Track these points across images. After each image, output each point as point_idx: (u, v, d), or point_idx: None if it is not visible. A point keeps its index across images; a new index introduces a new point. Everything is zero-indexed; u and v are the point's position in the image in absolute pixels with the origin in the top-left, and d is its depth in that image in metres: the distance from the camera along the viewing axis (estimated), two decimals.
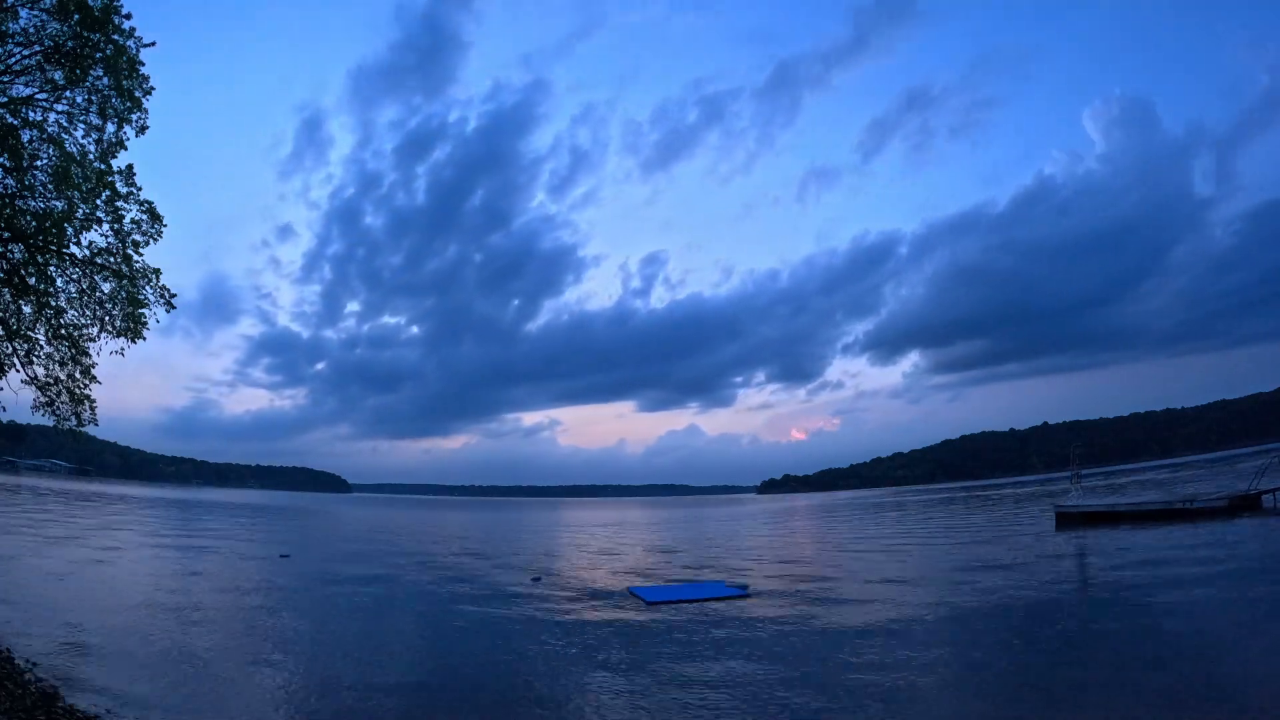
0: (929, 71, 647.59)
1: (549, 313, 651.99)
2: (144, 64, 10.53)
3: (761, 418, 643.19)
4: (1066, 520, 33.42)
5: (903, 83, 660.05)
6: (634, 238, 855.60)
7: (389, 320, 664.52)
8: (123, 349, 11.36)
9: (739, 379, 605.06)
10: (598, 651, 11.86)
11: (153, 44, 10.56)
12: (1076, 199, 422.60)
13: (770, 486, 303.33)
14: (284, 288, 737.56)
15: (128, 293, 11.01)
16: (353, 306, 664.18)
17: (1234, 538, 23.19)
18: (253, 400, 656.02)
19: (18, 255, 10.44)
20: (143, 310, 11.11)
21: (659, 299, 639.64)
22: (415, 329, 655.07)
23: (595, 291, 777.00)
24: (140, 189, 10.79)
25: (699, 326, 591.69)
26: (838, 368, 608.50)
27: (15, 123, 9.90)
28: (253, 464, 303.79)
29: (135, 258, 10.95)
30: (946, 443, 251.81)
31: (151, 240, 11.08)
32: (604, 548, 33.90)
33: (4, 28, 9.40)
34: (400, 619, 15.28)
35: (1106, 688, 8.77)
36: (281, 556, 26.83)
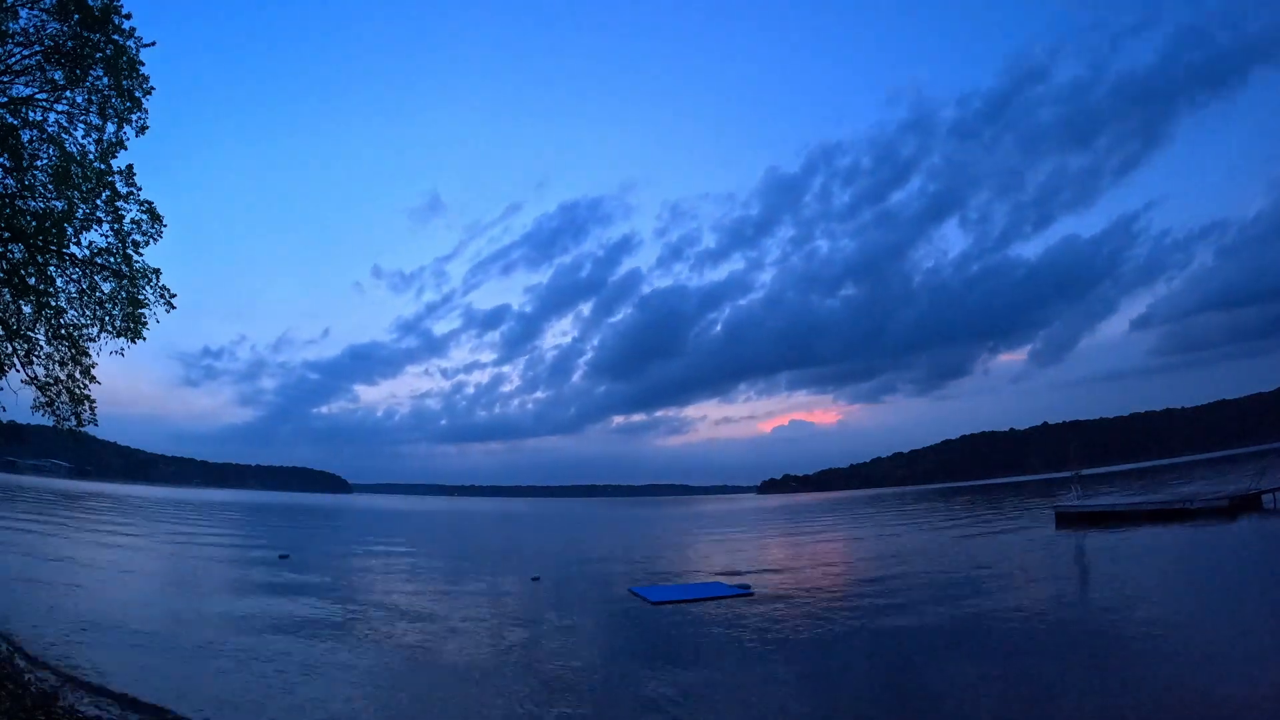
0: None
1: (1001, 254, 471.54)
2: (144, 64, 10.53)
3: (942, 408, 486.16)
4: (1066, 520, 33.41)
5: None
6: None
7: (814, 254, 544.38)
8: (123, 349, 11.36)
9: (979, 359, 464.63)
10: None
11: (153, 44, 10.55)
12: None
13: (770, 486, 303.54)
14: (714, 199, 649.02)
15: (128, 293, 10.99)
16: (783, 233, 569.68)
17: (1234, 537, 23.21)
18: (417, 386, 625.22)
19: (18, 255, 10.43)
20: (143, 310, 11.10)
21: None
22: (786, 277, 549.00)
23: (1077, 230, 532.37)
24: (140, 189, 10.78)
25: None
26: (1088, 344, 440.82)
27: (15, 123, 9.90)
28: (252, 464, 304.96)
29: (135, 258, 10.94)
30: (946, 442, 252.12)
31: (152, 240, 11.06)
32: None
33: (4, 28, 9.39)
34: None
35: (1086, 692, 8.76)
36: (281, 557, 26.76)
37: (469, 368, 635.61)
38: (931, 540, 30.41)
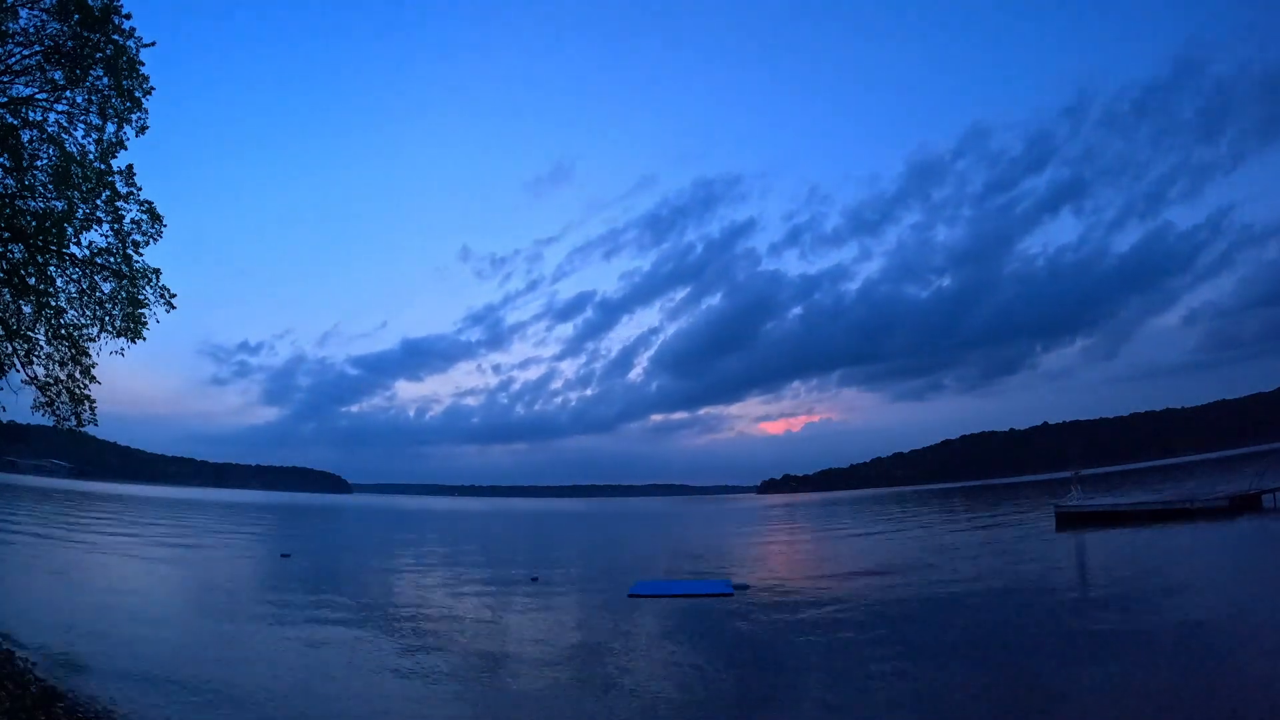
0: None
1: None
2: (144, 64, 10.51)
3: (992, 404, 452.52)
4: (1067, 520, 33.40)
5: None
6: None
7: (928, 242, 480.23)
8: (123, 349, 11.33)
9: (1033, 355, 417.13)
10: None
11: (153, 44, 10.52)
12: None
13: (770, 486, 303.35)
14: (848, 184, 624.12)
15: (128, 293, 10.96)
16: (909, 218, 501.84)
17: (1234, 537, 23.19)
18: (463, 382, 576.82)
19: (18, 255, 10.41)
20: (143, 310, 11.07)
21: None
22: (890, 265, 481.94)
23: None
24: (140, 189, 10.74)
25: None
26: (1139, 341, 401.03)
27: (15, 123, 9.89)
28: (254, 464, 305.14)
29: (135, 258, 10.90)
30: (946, 443, 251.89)
31: (152, 240, 11.02)
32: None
33: (4, 28, 9.38)
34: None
35: (1099, 688, 8.75)
36: (282, 556, 26.78)
37: (525, 363, 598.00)
38: (932, 541, 30.43)
